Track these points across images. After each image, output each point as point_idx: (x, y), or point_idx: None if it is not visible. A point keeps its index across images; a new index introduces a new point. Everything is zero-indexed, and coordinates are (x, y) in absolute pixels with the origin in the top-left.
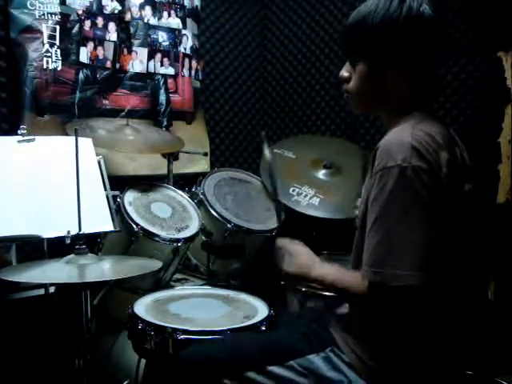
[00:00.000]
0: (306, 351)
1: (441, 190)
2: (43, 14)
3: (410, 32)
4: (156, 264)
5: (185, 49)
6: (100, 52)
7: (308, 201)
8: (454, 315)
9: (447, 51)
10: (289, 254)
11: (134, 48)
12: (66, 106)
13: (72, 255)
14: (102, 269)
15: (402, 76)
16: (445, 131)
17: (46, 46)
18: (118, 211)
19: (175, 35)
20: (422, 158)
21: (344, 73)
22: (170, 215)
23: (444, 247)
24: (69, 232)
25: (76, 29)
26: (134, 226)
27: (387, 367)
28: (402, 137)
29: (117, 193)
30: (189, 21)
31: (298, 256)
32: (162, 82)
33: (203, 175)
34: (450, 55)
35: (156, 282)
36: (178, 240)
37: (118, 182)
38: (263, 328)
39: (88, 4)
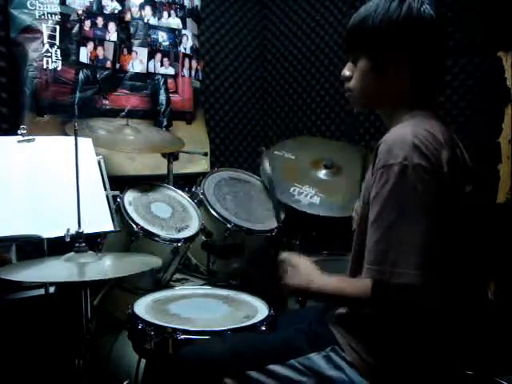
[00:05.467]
0: (306, 350)
1: (442, 188)
2: (43, 14)
3: (410, 32)
4: (156, 261)
5: (185, 49)
6: (100, 52)
7: (309, 200)
8: (455, 315)
9: (448, 50)
10: (291, 267)
11: (134, 48)
12: (66, 106)
13: (72, 253)
14: (102, 266)
15: (403, 72)
16: (446, 131)
17: (46, 46)
18: (117, 211)
19: (175, 35)
20: (423, 156)
21: (346, 72)
22: (170, 215)
23: (443, 247)
24: (68, 230)
25: (76, 29)
26: (134, 226)
27: (388, 366)
28: (403, 134)
29: (117, 193)
30: (189, 21)
31: (299, 268)
32: (162, 82)
33: (203, 175)
34: (450, 55)
35: (156, 282)
36: (178, 240)
37: (117, 182)
38: (263, 328)
39: (88, 4)
